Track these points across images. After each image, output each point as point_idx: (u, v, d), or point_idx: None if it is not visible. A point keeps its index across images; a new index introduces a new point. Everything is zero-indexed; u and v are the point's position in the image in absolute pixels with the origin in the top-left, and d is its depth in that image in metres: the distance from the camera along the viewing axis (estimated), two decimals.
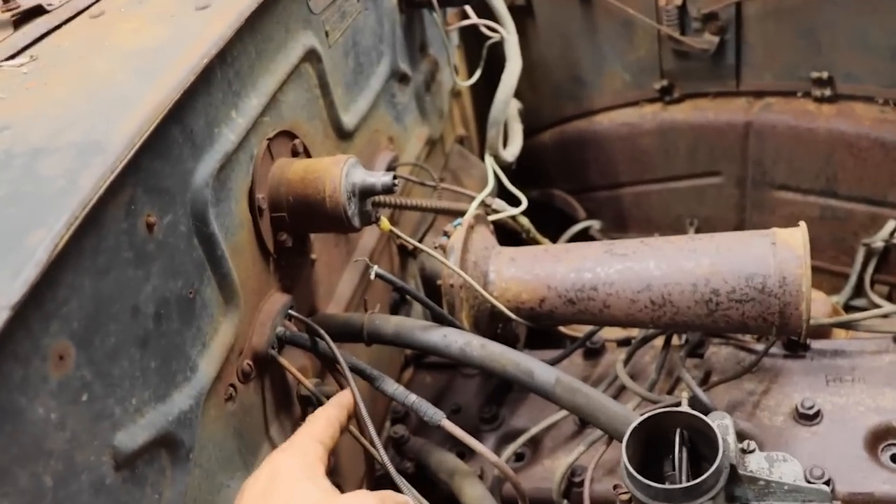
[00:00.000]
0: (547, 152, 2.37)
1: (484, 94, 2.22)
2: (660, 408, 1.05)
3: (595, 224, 2.35)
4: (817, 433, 1.36)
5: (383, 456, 1.08)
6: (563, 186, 2.41)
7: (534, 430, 1.43)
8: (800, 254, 1.28)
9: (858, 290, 2.03)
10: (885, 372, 1.43)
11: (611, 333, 1.68)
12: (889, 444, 1.33)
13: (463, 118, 2.21)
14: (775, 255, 1.29)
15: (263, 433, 1.21)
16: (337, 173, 1.19)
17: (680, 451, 1.01)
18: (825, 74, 1.97)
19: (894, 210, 1.98)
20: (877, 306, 1.97)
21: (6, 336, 0.73)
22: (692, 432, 1.03)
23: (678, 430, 1.02)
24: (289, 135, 1.27)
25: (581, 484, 1.37)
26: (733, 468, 0.98)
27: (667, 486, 0.95)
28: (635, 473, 0.96)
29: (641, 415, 1.02)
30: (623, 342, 1.64)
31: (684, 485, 0.94)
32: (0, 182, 0.86)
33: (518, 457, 1.49)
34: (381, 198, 1.38)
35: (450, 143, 2.11)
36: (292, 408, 1.29)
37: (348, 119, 1.48)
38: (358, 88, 1.55)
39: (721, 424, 1.01)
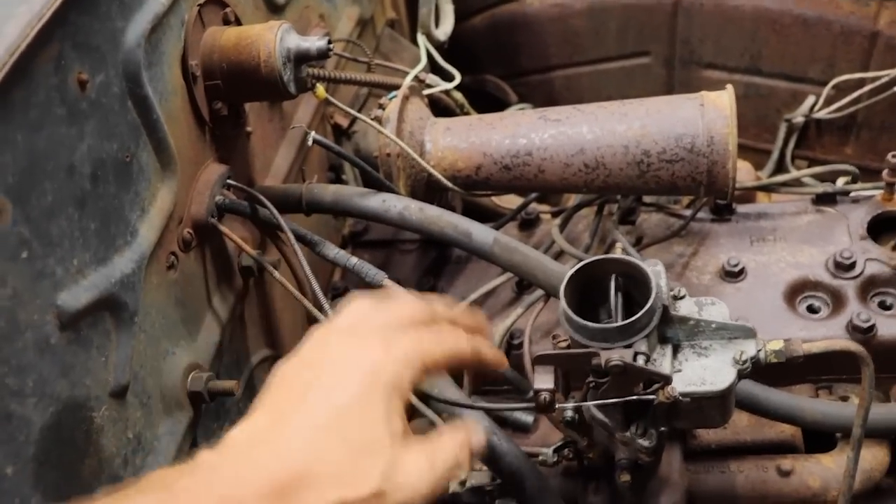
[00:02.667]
0: (478, 37, 2.35)
1: None
2: (597, 256, 1.08)
3: (527, 108, 2.36)
4: (741, 289, 1.43)
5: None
6: (494, 71, 2.40)
7: (472, 297, 1.46)
8: (727, 114, 1.32)
9: (780, 166, 2.11)
10: (803, 231, 1.50)
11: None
12: (805, 296, 1.42)
13: (393, 1, 2.17)
14: (703, 115, 1.33)
15: (206, 303, 1.22)
16: (271, 38, 1.17)
17: (615, 295, 1.05)
18: None
19: (814, 86, 2.04)
20: None
21: None
22: (626, 279, 1.07)
23: (613, 276, 1.06)
24: (219, 3, 1.24)
25: (520, 346, 1.42)
26: (665, 309, 1.03)
27: (603, 325, 0.99)
28: (573, 315, 1.00)
29: (578, 264, 1.06)
30: (556, 213, 1.68)
31: (619, 323, 0.99)
32: None
33: None
34: (316, 70, 1.36)
35: (381, 26, 2.08)
36: (234, 279, 1.30)
37: None
38: None
39: (654, 270, 1.06)
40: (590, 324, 1.00)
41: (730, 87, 1.35)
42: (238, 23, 1.28)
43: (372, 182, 1.35)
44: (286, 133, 1.51)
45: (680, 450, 1.29)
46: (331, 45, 1.20)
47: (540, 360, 1.01)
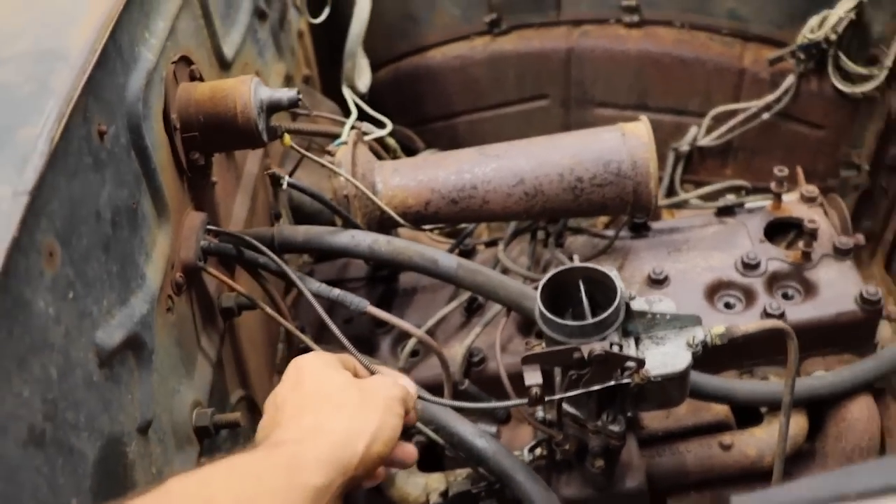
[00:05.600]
0: (383, 88, 2.48)
1: (319, 36, 2.32)
2: (563, 266, 1.22)
3: (433, 153, 2.51)
4: (667, 294, 1.61)
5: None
6: (400, 120, 2.53)
7: (429, 323, 1.56)
8: (646, 141, 1.50)
9: (671, 190, 2.34)
10: (712, 239, 1.70)
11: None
12: (722, 295, 1.61)
13: (306, 59, 2.28)
14: (625, 143, 1.51)
15: (196, 344, 1.28)
16: (246, 90, 1.26)
17: (585, 297, 1.19)
18: (633, 2, 2.24)
19: (695, 117, 2.30)
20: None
21: (21, 223, 0.77)
22: (589, 284, 1.21)
23: (580, 282, 1.20)
24: (187, 60, 1.32)
25: (479, 363, 1.54)
26: (628, 305, 1.18)
27: (582, 322, 1.13)
28: (552, 316, 1.14)
29: (549, 272, 1.19)
30: (489, 243, 1.82)
31: (595, 319, 1.13)
32: None
33: (414, 353, 1.63)
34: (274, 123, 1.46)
35: (298, 82, 2.19)
36: (216, 320, 1.36)
37: (227, 49, 1.54)
38: (230, 21, 1.60)
39: (613, 274, 1.21)
40: (569, 322, 1.14)
41: (644, 117, 1.54)
42: (202, 79, 1.36)
43: (344, 219, 1.46)
44: (241, 183, 1.59)
45: (635, 439, 1.45)
46: (300, 95, 1.30)
47: (528, 360, 1.14)
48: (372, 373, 1.05)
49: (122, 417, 0.99)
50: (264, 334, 1.64)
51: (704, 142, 2.24)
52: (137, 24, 1.13)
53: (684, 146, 2.29)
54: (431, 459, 1.53)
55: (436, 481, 1.48)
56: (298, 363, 0.98)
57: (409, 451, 1.05)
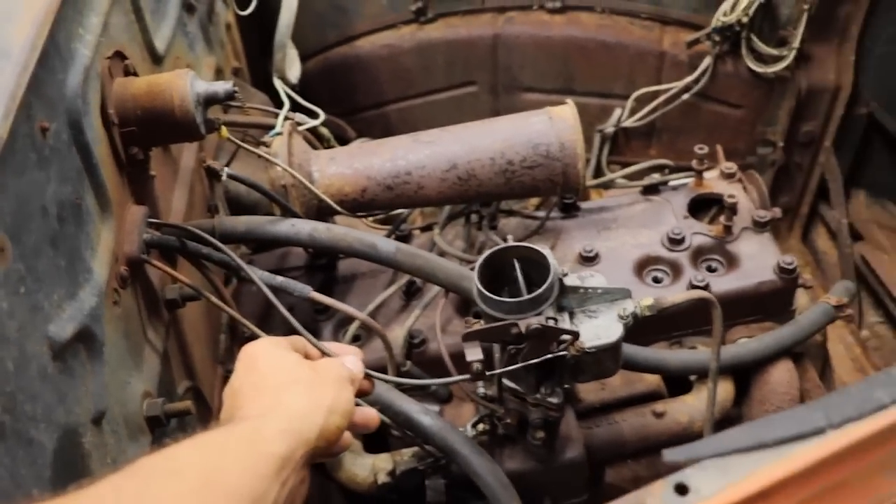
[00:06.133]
0: (314, 79, 2.50)
1: (247, 28, 2.32)
2: (498, 246, 1.28)
3: (366, 142, 2.53)
4: (598, 270, 1.66)
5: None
6: (331, 110, 2.54)
7: (370, 308, 1.61)
8: (572, 123, 1.57)
9: (598, 171, 2.43)
10: (639, 217, 1.78)
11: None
12: (650, 270, 1.69)
13: (235, 51, 2.28)
14: (553, 126, 1.57)
15: (143, 336, 1.30)
16: (183, 84, 1.28)
17: (521, 275, 1.25)
18: None
19: (619, 100, 2.39)
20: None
21: None
22: (523, 262, 1.27)
23: (515, 261, 1.26)
24: (120, 55, 1.33)
25: (420, 344, 1.59)
26: (561, 281, 1.24)
27: (518, 298, 1.19)
28: (489, 294, 1.19)
29: (486, 252, 1.25)
30: (425, 228, 1.87)
31: (531, 296, 1.19)
32: None
33: (355, 338, 1.67)
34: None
35: (228, 74, 2.19)
36: (161, 312, 1.37)
37: (159, 43, 1.54)
38: (160, 15, 1.60)
39: (546, 252, 1.26)
40: (506, 299, 1.20)
41: (570, 101, 1.60)
42: (135, 74, 1.37)
43: (282, 208, 1.48)
44: (178, 177, 1.60)
45: (573, 411, 1.51)
46: (236, 88, 1.32)
47: (468, 337, 1.19)
48: (322, 351, 1.09)
49: (78, 409, 1.01)
50: (207, 326, 1.66)
51: (628, 123, 2.32)
52: (72, 20, 1.14)
53: (609, 128, 2.37)
54: (377, 441, 1.58)
55: (383, 461, 1.53)
56: (250, 349, 1.01)
57: (371, 414, 1.10)
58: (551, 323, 1.18)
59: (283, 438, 0.85)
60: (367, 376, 1.12)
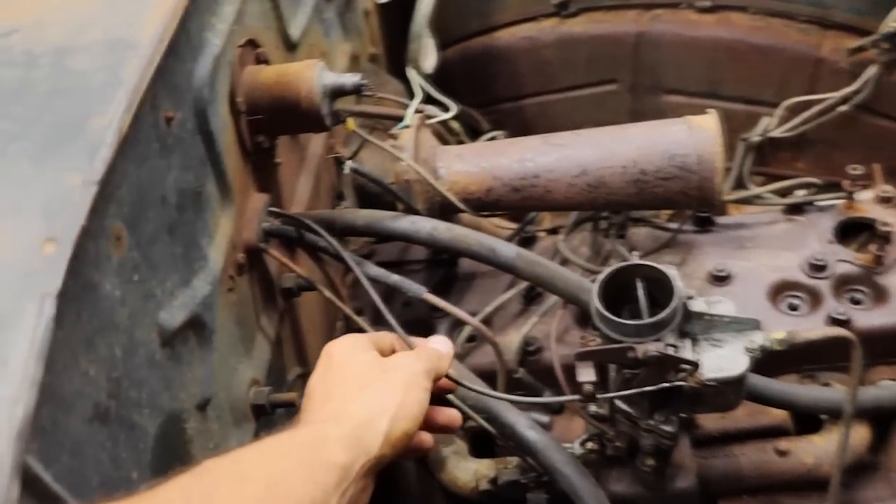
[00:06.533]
0: (451, 68, 2.47)
1: (387, 15, 2.32)
2: (622, 263, 1.21)
3: (500, 135, 2.49)
4: (729, 292, 1.58)
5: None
6: (467, 101, 2.52)
7: (488, 309, 1.58)
8: (713, 135, 1.47)
9: (739, 182, 2.29)
10: (779, 238, 1.66)
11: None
12: (786, 296, 1.57)
13: (372, 37, 2.29)
14: (691, 136, 1.48)
15: (256, 324, 1.31)
16: (311, 75, 1.28)
17: (643, 296, 1.18)
18: None
19: (768, 108, 2.23)
20: None
21: (90, 212, 0.80)
22: (648, 282, 1.20)
23: (638, 280, 1.19)
24: (253, 44, 1.34)
25: (535, 352, 1.54)
26: (685, 306, 1.17)
27: (638, 321, 1.12)
28: (609, 314, 1.13)
29: (608, 269, 1.18)
30: (551, 231, 1.81)
31: (652, 319, 1.12)
32: (36, 80, 0.91)
33: (471, 339, 1.64)
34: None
35: (364, 61, 2.19)
36: (276, 300, 1.38)
37: (294, 31, 1.55)
38: (296, 3, 1.61)
39: (672, 273, 1.19)
40: (626, 321, 1.13)
41: (713, 110, 1.50)
42: (267, 62, 1.38)
43: (379, 206, 1.47)
44: (305, 164, 1.61)
45: (688, 438, 1.43)
46: (364, 82, 1.31)
47: (581, 357, 1.13)
48: (411, 348, 1.07)
49: (183, 395, 1.02)
50: (324, 313, 1.66)
51: (776, 133, 2.17)
52: (206, 10, 1.15)
53: (755, 137, 2.23)
54: (484, 445, 1.55)
55: (486, 467, 1.50)
56: (329, 349, 1.01)
57: (453, 416, 1.08)
58: (671, 351, 1.11)
59: (344, 447, 0.84)
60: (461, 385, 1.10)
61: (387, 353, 1.06)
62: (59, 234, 0.74)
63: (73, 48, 0.94)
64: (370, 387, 0.94)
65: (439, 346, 1.06)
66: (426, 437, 1.03)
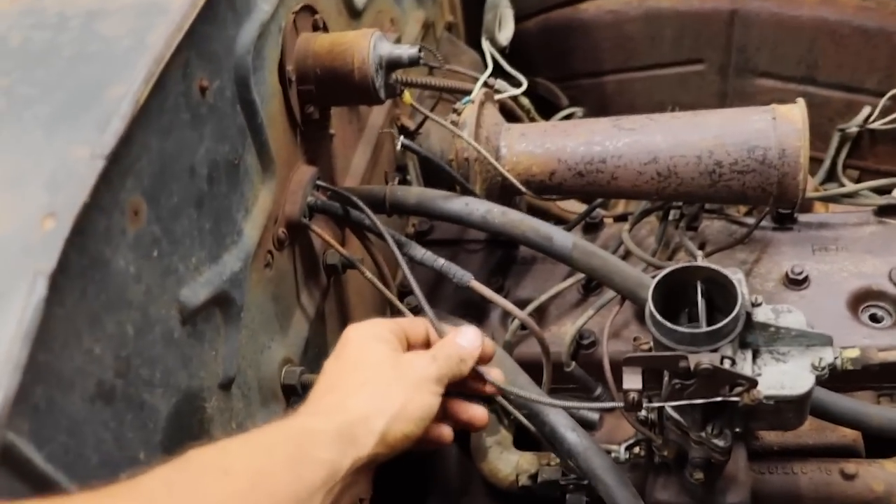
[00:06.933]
0: (531, 40, 2.38)
1: None
2: (681, 263, 1.12)
3: (578, 111, 2.38)
4: (805, 296, 1.46)
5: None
6: (546, 74, 2.43)
7: (542, 298, 1.50)
8: (799, 127, 1.35)
9: (831, 175, 2.13)
10: (865, 241, 1.53)
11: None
12: (868, 305, 1.45)
13: (451, 4, 2.21)
14: (775, 128, 1.36)
15: (295, 299, 1.27)
16: (365, 45, 1.22)
17: (701, 301, 1.09)
18: None
19: (870, 96, 2.06)
20: None
21: (97, 187, 0.76)
22: (709, 285, 1.11)
23: (698, 283, 1.10)
24: (310, 9, 1.29)
25: (589, 346, 1.47)
26: (748, 315, 1.07)
27: (693, 329, 1.04)
28: (662, 319, 1.05)
29: (665, 269, 1.10)
30: (619, 218, 1.72)
31: (708, 328, 1.03)
32: (63, 43, 0.88)
33: (524, 326, 1.57)
34: (402, 76, 1.41)
35: (440, 29, 2.12)
36: (319, 276, 1.35)
37: None
38: None
39: (737, 278, 1.09)
40: (679, 328, 1.05)
41: (801, 100, 1.38)
42: (325, 29, 1.33)
43: (443, 180, 1.40)
44: (362, 135, 1.55)
45: (745, 450, 1.33)
46: (421, 54, 1.24)
47: (629, 362, 1.06)
48: (440, 334, 1.02)
49: (203, 373, 0.99)
50: (375, 289, 1.62)
51: (877, 125, 2.00)
52: None
53: (853, 127, 2.06)
54: (529, 437, 1.49)
55: (528, 462, 1.44)
56: (347, 333, 0.98)
57: (477, 414, 1.02)
58: (726, 364, 1.02)
59: (333, 444, 0.81)
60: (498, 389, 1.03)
61: (416, 341, 1.01)
62: (60, 209, 0.71)
63: (104, 11, 0.90)
64: (374, 383, 0.89)
65: (466, 342, 0.99)
66: (446, 432, 0.98)
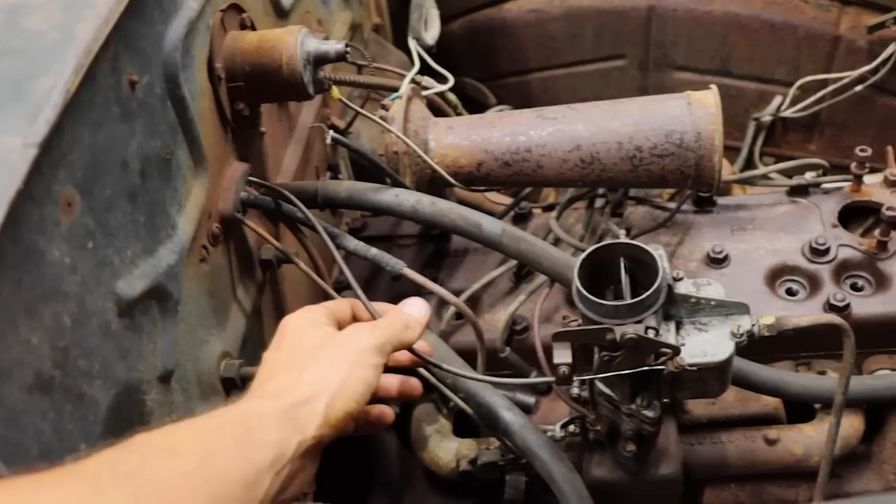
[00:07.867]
0: (457, 41, 2.43)
1: None
2: (606, 241, 1.17)
3: (506, 109, 2.44)
4: (725, 274, 1.53)
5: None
6: (472, 74, 2.48)
7: (474, 287, 1.54)
8: (712, 111, 1.42)
9: (749, 162, 2.23)
10: (779, 220, 1.61)
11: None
12: (784, 280, 1.52)
13: (377, 7, 2.24)
14: (691, 113, 1.43)
15: (231, 295, 1.28)
16: (292, 41, 1.24)
17: (625, 276, 1.14)
18: None
19: (780, 86, 2.17)
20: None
21: (30, 175, 0.77)
22: (633, 262, 1.16)
23: (621, 260, 1.15)
24: (237, 8, 1.30)
25: (522, 332, 1.51)
26: (670, 288, 1.12)
27: (616, 302, 1.08)
28: (588, 294, 1.09)
29: (590, 248, 1.14)
30: (547, 208, 1.77)
31: (632, 300, 1.08)
32: None
33: (458, 316, 1.60)
34: (325, 73, 1.43)
35: (367, 31, 2.15)
36: (254, 271, 1.36)
37: None
38: None
39: (658, 253, 1.15)
40: (605, 302, 1.09)
41: (714, 86, 1.45)
42: (253, 28, 1.34)
43: (374, 177, 1.43)
44: (293, 133, 1.57)
45: (675, 423, 1.39)
46: (348, 49, 1.27)
47: (558, 337, 1.10)
48: (374, 315, 1.06)
49: (142, 366, 1.00)
50: (310, 284, 1.63)
51: (789, 113, 2.11)
52: None
53: (767, 116, 2.16)
54: (468, 425, 1.52)
55: (467, 448, 1.47)
56: (283, 324, 1.01)
57: (413, 385, 1.09)
58: (650, 334, 1.07)
59: (278, 426, 0.83)
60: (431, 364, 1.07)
61: (346, 321, 1.04)
62: None
63: (28, 6, 0.91)
64: (315, 363, 0.91)
65: (413, 310, 1.03)
66: (387, 413, 1.01)
